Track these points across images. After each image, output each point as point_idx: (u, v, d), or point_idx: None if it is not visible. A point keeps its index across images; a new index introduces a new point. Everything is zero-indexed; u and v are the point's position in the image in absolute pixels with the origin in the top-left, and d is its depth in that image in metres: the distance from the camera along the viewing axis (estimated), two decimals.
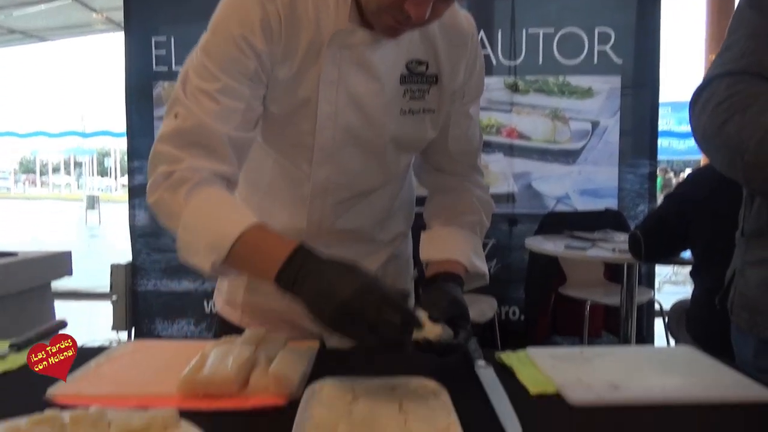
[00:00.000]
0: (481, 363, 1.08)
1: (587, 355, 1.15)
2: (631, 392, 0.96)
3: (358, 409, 0.86)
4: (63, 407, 0.83)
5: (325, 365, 1.05)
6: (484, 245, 4.18)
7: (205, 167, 0.98)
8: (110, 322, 4.28)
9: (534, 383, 1.00)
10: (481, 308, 3.22)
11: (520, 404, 0.90)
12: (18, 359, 1.12)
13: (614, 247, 2.68)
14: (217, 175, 1.00)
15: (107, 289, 4.36)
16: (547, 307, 3.75)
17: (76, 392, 0.94)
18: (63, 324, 1.33)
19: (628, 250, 2.52)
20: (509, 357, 1.12)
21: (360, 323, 0.82)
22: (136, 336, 4.24)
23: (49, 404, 0.89)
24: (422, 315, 0.94)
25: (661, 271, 5.92)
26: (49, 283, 2.13)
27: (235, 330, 1.29)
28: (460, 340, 0.97)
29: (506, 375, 1.05)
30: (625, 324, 2.84)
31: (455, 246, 1.18)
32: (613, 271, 3.79)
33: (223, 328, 1.34)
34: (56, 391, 0.94)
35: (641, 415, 0.89)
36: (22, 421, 0.79)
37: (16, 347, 1.17)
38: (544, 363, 1.08)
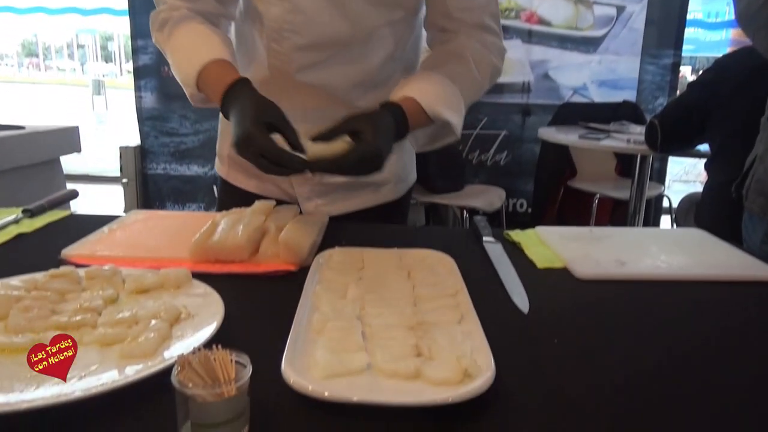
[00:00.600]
0: (489, 239, 1.08)
1: (596, 234, 1.15)
2: (637, 268, 0.96)
3: (368, 275, 0.87)
4: (78, 266, 0.85)
5: (334, 237, 1.06)
6: (495, 137, 4.13)
7: (182, 5, 1.09)
8: (121, 204, 4.34)
9: (542, 258, 1.00)
10: (490, 198, 3.23)
11: (527, 277, 0.91)
12: (32, 223, 1.14)
13: (629, 138, 2.62)
14: (194, 11, 1.10)
15: (117, 173, 4.39)
16: (555, 200, 3.76)
17: (90, 253, 0.96)
18: (74, 193, 1.33)
19: (643, 141, 2.47)
20: (518, 234, 1.13)
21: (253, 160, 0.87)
22: None
23: (64, 263, 0.91)
24: (305, 140, 0.90)
25: (672, 169, 5.86)
26: (59, 159, 2.14)
27: (230, 188, 1.31)
28: (353, 152, 0.90)
29: (514, 251, 1.06)
30: (633, 218, 2.84)
31: (416, 85, 1.06)
32: (624, 166, 3.74)
33: (221, 188, 1.37)
34: (71, 251, 0.96)
35: (647, 289, 0.90)
36: (39, 276, 0.81)
37: (29, 213, 1.18)
38: (552, 240, 1.08)
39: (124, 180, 4.31)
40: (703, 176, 6.41)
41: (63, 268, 0.82)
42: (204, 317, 0.71)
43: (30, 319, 0.69)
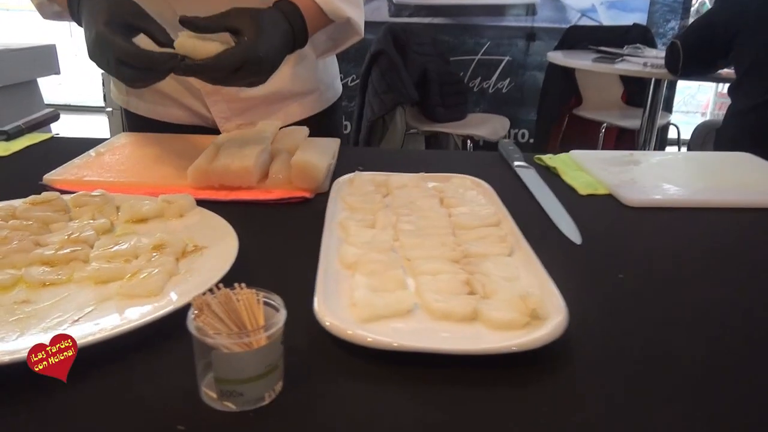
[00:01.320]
0: (520, 163, 0.98)
1: (637, 157, 1.04)
2: (691, 193, 0.87)
3: (396, 201, 0.76)
4: (63, 193, 0.74)
5: (350, 162, 0.94)
6: (497, 63, 3.95)
7: None
8: (106, 136, 4.16)
9: (582, 184, 0.90)
10: (494, 127, 3.09)
11: (570, 205, 0.82)
12: (9, 146, 1.01)
13: (645, 61, 2.47)
14: None
15: (101, 103, 4.17)
16: (559, 130, 3.63)
17: (77, 178, 0.84)
18: (56, 115, 1.20)
19: (660, 65, 2.33)
20: (551, 159, 1.02)
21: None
22: None
23: (47, 190, 0.80)
24: (183, 36, 0.77)
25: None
26: (36, 82, 1.96)
27: (134, 119, 1.17)
28: (230, 54, 0.77)
29: (549, 177, 0.95)
30: (643, 148, 2.73)
31: None
32: (632, 94, 3.60)
33: (125, 121, 1.22)
34: (54, 176, 0.84)
35: (703, 216, 0.81)
36: (17, 203, 0.69)
37: (5, 135, 1.05)
38: (591, 165, 0.97)
39: (109, 109, 4.10)
40: (705, 106, 6.26)
41: (45, 194, 0.70)
42: (215, 250, 0.61)
43: (8, 253, 0.58)
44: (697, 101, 6.51)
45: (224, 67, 0.77)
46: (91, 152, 0.96)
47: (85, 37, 0.76)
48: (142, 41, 0.76)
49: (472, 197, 0.79)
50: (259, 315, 0.43)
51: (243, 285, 0.44)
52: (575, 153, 1.04)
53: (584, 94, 3.59)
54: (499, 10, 3.73)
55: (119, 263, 0.57)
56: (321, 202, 0.82)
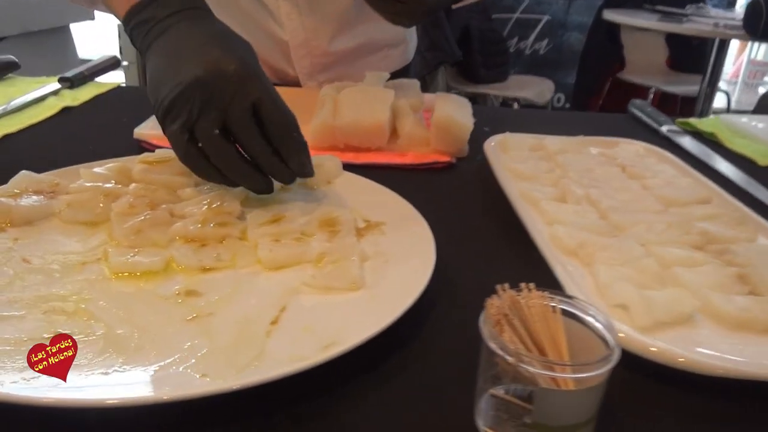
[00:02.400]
0: (671, 127, 0.85)
1: None
2: None
3: (568, 168, 0.64)
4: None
5: (490, 120, 0.81)
6: (536, 22, 3.75)
7: None
8: None
9: (759, 154, 0.77)
10: (539, 89, 2.94)
11: (752, 176, 0.69)
12: (75, 95, 0.88)
13: (716, 22, 2.31)
14: None
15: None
16: (599, 95, 3.47)
17: None
18: (116, 62, 1.06)
19: (733, 26, 2.16)
20: (702, 123, 0.88)
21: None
22: None
23: (142, 146, 0.68)
24: None
25: None
26: (69, 27, 1.80)
27: None
28: None
29: (704, 144, 0.82)
30: (700, 116, 2.57)
31: None
32: (678, 59, 3.42)
33: None
34: (147, 130, 0.71)
35: None
36: (128, 162, 0.56)
37: (68, 82, 0.91)
38: (756, 131, 0.84)
39: (125, 63, 3.91)
40: (733, 74, 6.05)
41: (161, 153, 0.57)
42: (397, 228, 0.48)
43: (143, 227, 0.45)
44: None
45: None
46: None
47: (179, 73, 0.47)
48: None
49: (652, 165, 0.66)
50: (559, 334, 0.30)
51: (531, 286, 0.32)
52: (726, 117, 0.90)
53: (628, 57, 3.40)
54: None
55: (290, 244, 0.44)
56: (465, 168, 0.69)
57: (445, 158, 0.69)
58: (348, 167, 0.62)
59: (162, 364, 0.32)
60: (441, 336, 0.39)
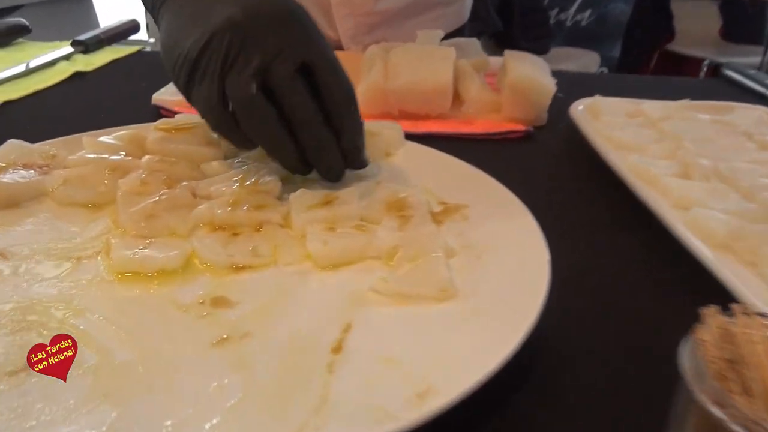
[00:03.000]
0: None
1: None
2: None
3: (680, 138, 0.51)
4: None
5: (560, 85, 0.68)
6: None
7: None
8: None
9: None
10: (585, 63, 2.75)
11: None
12: (89, 60, 0.78)
13: None
14: None
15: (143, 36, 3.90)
16: (646, 68, 3.26)
17: None
18: (136, 26, 0.95)
19: None
20: None
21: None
22: None
23: (161, 113, 0.57)
24: None
25: None
26: None
27: None
28: None
29: None
30: None
31: None
32: (732, 28, 3.19)
33: None
34: (167, 96, 0.60)
35: None
36: (141, 129, 0.46)
37: (83, 46, 0.81)
38: None
39: (152, 39, 3.84)
40: None
41: (181, 117, 0.47)
42: (484, 214, 0.37)
43: (158, 210, 0.35)
44: None
45: None
46: None
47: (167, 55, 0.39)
48: None
49: None
50: None
51: (748, 308, 0.20)
52: None
53: (678, 27, 3.19)
54: None
55: (348, 232, 0.33)
56: (545, 138, 0.57)
57: (520, 126, 0.57)
58: (406, 137, 0.50)
59: (174, 421, 0.21)
60: (570, 367, 0.28)
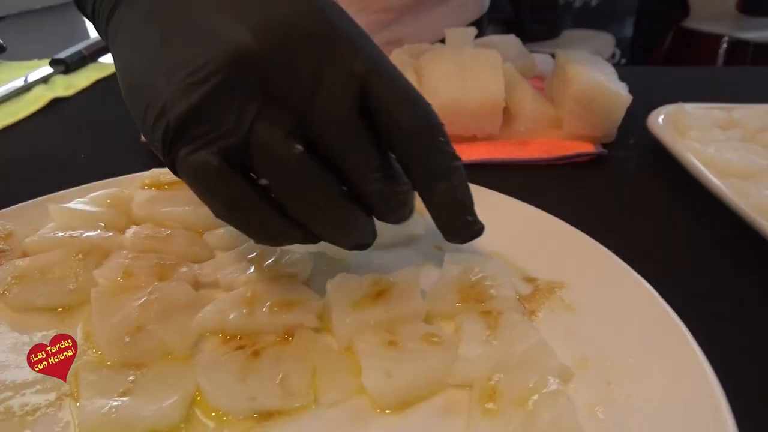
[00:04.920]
0: None
1: None
2: None
3: None
4: None
5: None
6: None
7: None
8: None
9: None
10: (597, 46, 2.64)
11: None
12: (69, 82, 0.68)
13: None
14: None
15: None
16: (661, 48, 3.14)
17: None
18: None
19: None
20: None
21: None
22: None
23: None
24: None
25: None
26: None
27: None
28: None
29: None
30: None
31: None
32: (751, 1, 3.06)
33: None
34: None
35: None
36: (128, 183, 0.36)
37: (63, 65, 0.71)
38: None
39: None
40: None
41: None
42: (595, 293, 0.27)
43: (148, 319, 0.25)
44: None
45: None
46: None
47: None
48: None
49: None
50: None
51: None
52: None
53: (693, 3, 3.06)
54: None
55: (418, 348, 0.23)
56: (619, 159, 0.47)
57: (589, 147, 0.47)
58: None
59: None
60: None
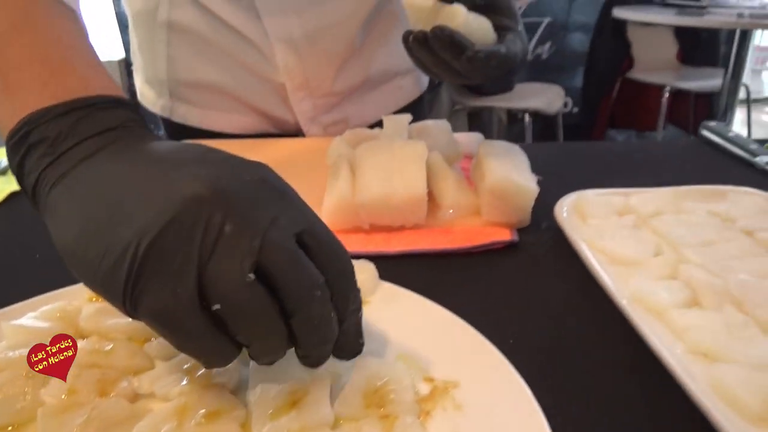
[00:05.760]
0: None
1: None
2: None
3: (674, 241, 0.47)
4: None
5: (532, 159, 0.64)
6: (536, 25, 3.62)
7: None
8: None
9: None
10: (549, 98, 2.77)
11: None
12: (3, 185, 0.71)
13: (739, 12, 2.14)
14: None
15: None
16: (609, 97, 3.32)
17: None
18: None
19: (759, 15, 2.00)
20: None
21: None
22: None
23: None
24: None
25: None
26: None
27: (180, 129, 0.85)
28: (504, 49, 0.52)
29: None
30: (725, 115, 2.41)
31: None
32: (689, 52, 3.27)
33: (167, 131, 0.90)
34: None
35: None
36: (71, 299, 0.40)
37: None
38: None
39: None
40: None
41: None
42: (482, 397, 0.31)
43: None
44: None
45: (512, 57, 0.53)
46: None
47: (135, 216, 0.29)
48: None
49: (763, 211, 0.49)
50: None
51: None
52: None
53: (637, 54, 3.25)
54: None
55: None
56: (531, 244, 0.52)
57: (505, 235, 0.52)
58: (379, 259, 0.45)
59: None
60: None
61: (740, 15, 2.11)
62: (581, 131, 3.46)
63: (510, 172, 0.53)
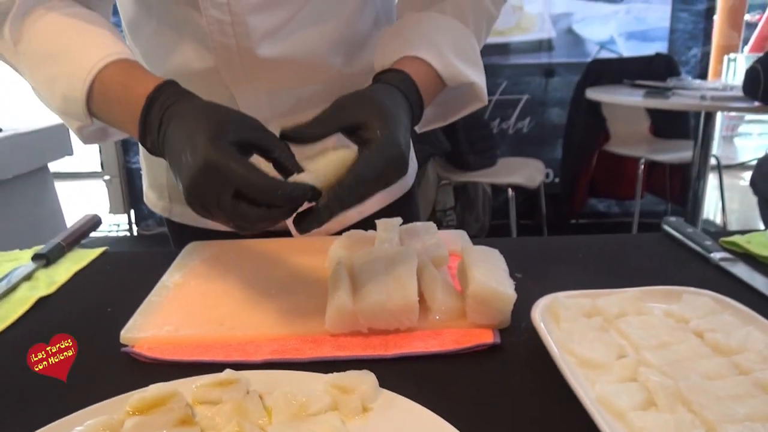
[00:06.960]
0: (722, 255, 0.76)
1: None
2: None
3: (635, 344, 0.54)
4: (146, 360, 0.50)
5: (511, 256, 0.71)
6: (516, 102, 3.81)
7: None
8: (105, 204, 3.91)
9: None
10: (530, 172, 2.90)
11: None
12: (51, 276, 0.78)
13: (703, 94, 2.31)
14: None
15: (98, 168, 3.94)
16: (588, 169, 3.47)
17: (168, 333, 0.60)
18: (97, 222, 0.97)
19: (718, 97, 2.16)
20: (754, 243, 0.80)
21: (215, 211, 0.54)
22: (136, 221, 3.89)
23: (132, 355, 0.57)
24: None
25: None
26: (47, 167, 1.71)
27: (179, 229, 0.93)
28: (373, 156, 0.57)
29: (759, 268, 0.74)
30: (697, 183, 2.55)
31: (419, 37, 0.73)
32: (660, 126, 3.47)
33: (168, 230, 1.00)
34: (135, 333, 0.60)
35: None
36: (116, 409, 0.45)
37: (44, 260, 0.81)
38: None
39: (106, 177, 3.88)
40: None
41: (156, 389, 0.46)
42: None
43: None
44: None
45: (377, 173, 0.56)
46: (167, 281, 0.73)
47: (184, 170, 0.53)
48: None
49: (733, 328, 0.56)
50: None
51: None
52: None
53: (612, 129, 3.43)
54: (516, 48, 3.60)
55: None
56: (511, 345, 0.59)
57: (488, 338, 0.59)
58: (376, 363, 0.52)
59: None
60: None
61: (703, 98, 2.28)
62: (563, 201, 3.59)
63: (490, 279, 0.61)
